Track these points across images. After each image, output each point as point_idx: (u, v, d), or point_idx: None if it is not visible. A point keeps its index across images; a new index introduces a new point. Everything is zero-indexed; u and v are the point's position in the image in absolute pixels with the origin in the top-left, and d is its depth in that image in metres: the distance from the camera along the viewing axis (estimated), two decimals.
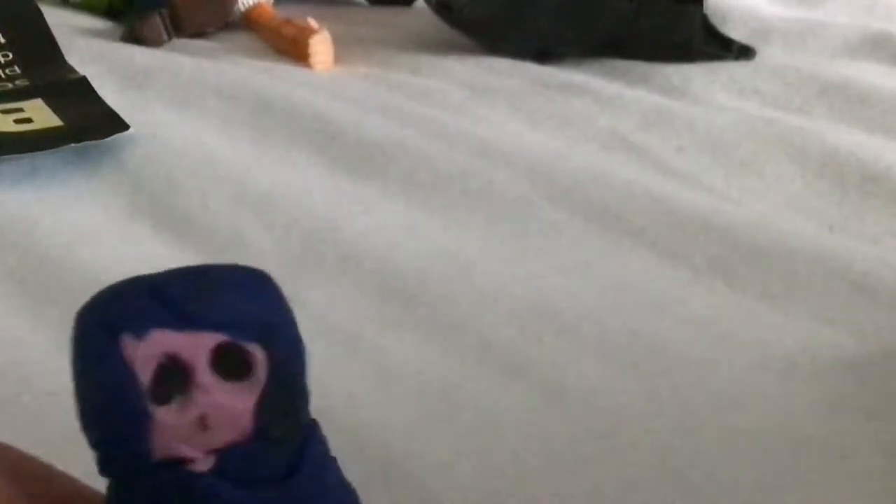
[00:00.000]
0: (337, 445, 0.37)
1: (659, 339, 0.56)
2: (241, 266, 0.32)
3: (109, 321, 0.29)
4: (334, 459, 0.33)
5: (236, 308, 0.30)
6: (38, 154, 0.71)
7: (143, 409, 0.29)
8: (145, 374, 0.29)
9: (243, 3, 1.03)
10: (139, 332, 0.29)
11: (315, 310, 0.58)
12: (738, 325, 0.58)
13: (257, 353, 0.30)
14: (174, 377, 0.29)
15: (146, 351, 0.29)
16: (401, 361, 0.54)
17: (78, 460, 0.45)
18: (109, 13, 1.05)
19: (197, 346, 0.29)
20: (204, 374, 0.29)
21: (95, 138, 0.72)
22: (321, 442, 0.33)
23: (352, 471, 0.37)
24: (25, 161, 0.71)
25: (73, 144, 0.72)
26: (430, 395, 0.51)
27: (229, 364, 0.30)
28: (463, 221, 0.67)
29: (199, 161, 0.72)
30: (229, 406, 0.30)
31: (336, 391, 0.50)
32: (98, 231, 0.65)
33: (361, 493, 0.36)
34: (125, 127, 0.74)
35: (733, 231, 0.65)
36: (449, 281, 0.61)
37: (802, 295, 0.60)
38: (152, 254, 0.63)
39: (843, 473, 0.47)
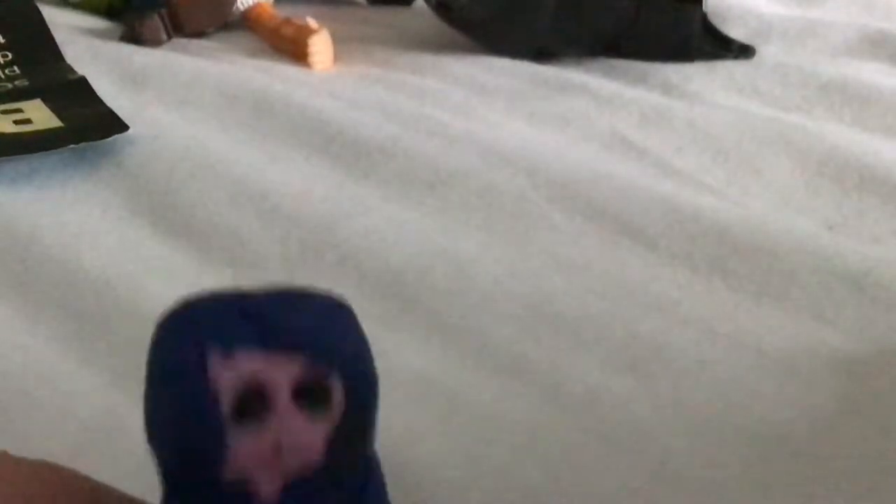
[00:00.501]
0: None
1: (658, 339, 0.56)
2: (326, 293, 0.32)
3: (198, 335, 0.29)
4: (386, 492, 0.33)
5: (322, 334, 0.30)
6: (37, 154, 0.71)
7: (222, 429, 0.29)
8: (228, 395, 0.29)
9: (242, 3, 1.02)
10: (226, 350, 0.29)
11: None
12: (736, 325, 0.58)
13: (336, 385, 0.30)
14: (255, 399, 0.29)
15: (232, 371, 0.29)
16: (400, 361, 0.54)
17: (76, 459, 0.45)
18: (109, 13, 1.05)
19: (280, 370, 0.29)
20: (284, 400, 0.29)
21: (95, 139, 0.72)
22: (381, 479, 0.33)
23: None
24: (24, 162, 0.71)
25: (72, 146, 0.71)
26: (429, 395, 0.51)
27: (309, 394, 0.29)
28: (462, 221, 0.67)
29: (198, 161, 0.72)
30: (304, 436, 0.30)
31: None
32: (97, 232, 0.65)
33: None
34: (124, 128, 0.74)
35: (732, 230, 0.65)
36: (448, 281, 0.61)
37: (801, 294, 0.60)
38: (151, 254, 0.63)
39: (843, 474, 0.47)
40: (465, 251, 0.64)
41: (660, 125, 0.81)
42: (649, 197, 0.69)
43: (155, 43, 0.96)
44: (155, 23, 0.96)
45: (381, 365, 0.53)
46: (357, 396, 0.30)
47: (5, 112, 0.76)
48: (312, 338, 0.30)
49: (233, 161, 0.73)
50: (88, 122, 0.75)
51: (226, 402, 0.29)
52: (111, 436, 0.48)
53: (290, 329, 0.29)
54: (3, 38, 0.86)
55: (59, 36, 0.89)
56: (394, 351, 0.55)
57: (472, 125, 0.80)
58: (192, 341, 0.29)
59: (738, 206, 0.71)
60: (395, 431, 0.48)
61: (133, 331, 0.55)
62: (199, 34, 1.00)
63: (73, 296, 0.59)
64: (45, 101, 0.78)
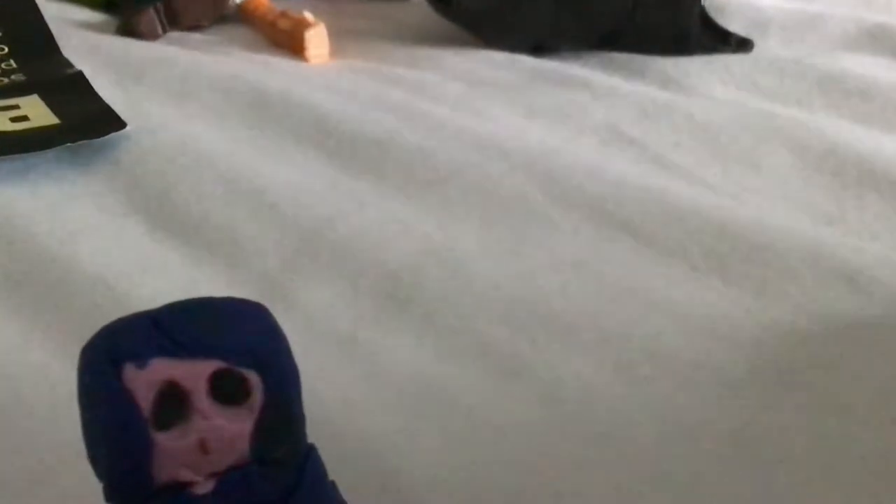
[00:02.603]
0: (330, 445, 0.37)
1: (654, 339, 0.56)
2: (238, 298, 0.33)
3: (111, 351, 0.31)
4: (333, 484, 0.34)
5: (232, 336, 0.31)
6: (33, 152, 0.71)
7: (145, 435, 0.30)
8: (146, 402, 0.30)
9: None
10: (140, 361, 0.30)
11: (309, 308, 0.58)
12: (734, 323, 0.57)
13: (253, 379, 0.31)
14: (174, 404, 0.30)
15: (147, 378, 0.30)
16: (395, 361, 0.54)
17: (73, 470, 0.45)
18: (105, 6, 1.05)
19: (195, 373, 0.30)
20: (202, 399, 0.30)
21: (92, 137, 0.72)
22: (319, 466, 0.34)
23: (344, 470, 0.37)
24: (20, 158, 0.71)
25: (69, 144, 0.71)
26: (424, 395, 0.51)
27: (226, 389, 0.31)
28: (459, 218, 0.67)
29: (195, 158, 0.72)
30: (228, 430, 0.31)
31: (330, 391, 0.50)
32: (93, 228, 0.65)
33: (354, 494, 0.36)
34: (122, 125, 0.74)
35: (730, 226, 0.65)
36: (444, 280, 0.60)
37: (799, 291, 0.60)
38: (148, 251, 0.63)
39: (841, 477, 0.47)
40: (462, 249, 0.64)
41: (658, 119, 0.81)
42: (647, 192, 0.69)
43: (151, 36, 0.95)
44: (151, 16, 0.96)
45: (375, 364, 0.54)
46: (274, 387, 0.31)
47: (2, 108, 0.76)
48: (222, 337, 0.31)
49: (229, 156, 0.73)
50: (85, 120, 0.75)
51: (146, 409, 0.30)
52: None
53: (200, 332, 0.31)
54: (0, 31, 0.85)
55: (55, 29, 0.89)
56: (389, 350, 0.55)
57: (469, 119, 0.80)
58: (106, 358, 0.30)
59: (736, 201, 0.70)
60: (389, 431, 0.48)
61: None
62: (195, 28, 1.00)
63: (68, 292, 0.58)
64: (42, 96, 0.78)
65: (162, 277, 0.60)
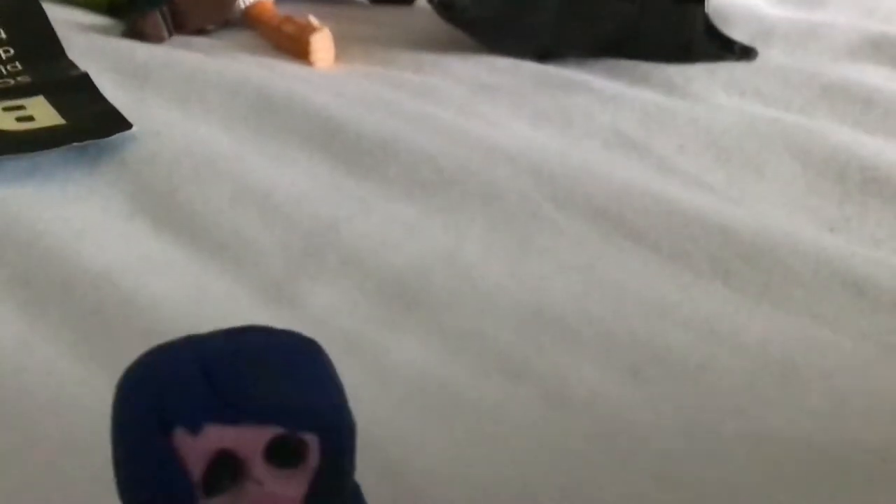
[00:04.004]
0: None
1: (660, 342, 0.56)
2: (291, 337, 0.31)
3: (161, 413, 0.28)
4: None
5: (290, 397, 0.29)
6: (39, 151, 0.71)
7: (193, 502, 0.28)
8: (198, 469, 0.28)
9: (244, 1, 1.02)
10: (193, 426, 0.28)
11: (315, 310, 0.58)
12: (738, 327, 0.58)
13: (311, 441, 0.29)
14: (227, 469, 0.28)
15: (201, 447, 0.28)
16: (401, 363, 0.54)
17: (78, 467, 0.45)
18: (110, 10, 1.05)
19: (251, 441, 0.28)
20: (258, 466, 0.28)
21: (97, 137, 0.72)
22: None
23: None
24: (26, 159, 0.71)
25: (75, 144, 0.71)
26: (430, 398, 0.51)
27: (283, 455, 0.29)
28: (464, 221, 0.67)
29: (200, 159, 0.72)
30: (282, 495, 0.29)
31: None
32: (99, 229, 0.65)
33: (363, 490, 0.36)
34: (127, 126, 0.74)
35: (734, 232, 0.65)
36: (450, 283, 0.61)
37: (802, 296, 0.60)
38: (153, 252, 0.63)
39: (844, 475, 0.47)
40: (467, 252, 0.64)
41: (662, 124, 0.81)
42: (651, 197, 0.69)
43: (156, 40, 0.95)
44: (156, 19, 0.96)
45: (381, 366, 0.54)
46: (333, 445, 0.30)
47: (8, 108, 0.76)
48: (281, 402, 0.29)
49: (234, 158, 0.73)
50: (91, 120, 0.75)
51: (196, 475, 0.28)
52: None
53: (256, 394, 0.28)
54: (5, 33, 0.85)
55: (60, 32, 0.89)
56: (395, 352, 0.55)
57: (474, 124, 0.80)
58: (156, 417, 0.28)
59: (740, 206, 0.71)
60: (395, 434, 0.48)
61: (135, 328, 0.55)
62: (200, 31, 1.00)
63: (74, 293, 0.58)
64: (47, 97, 0.78)
65: (167, 277, 0.60)
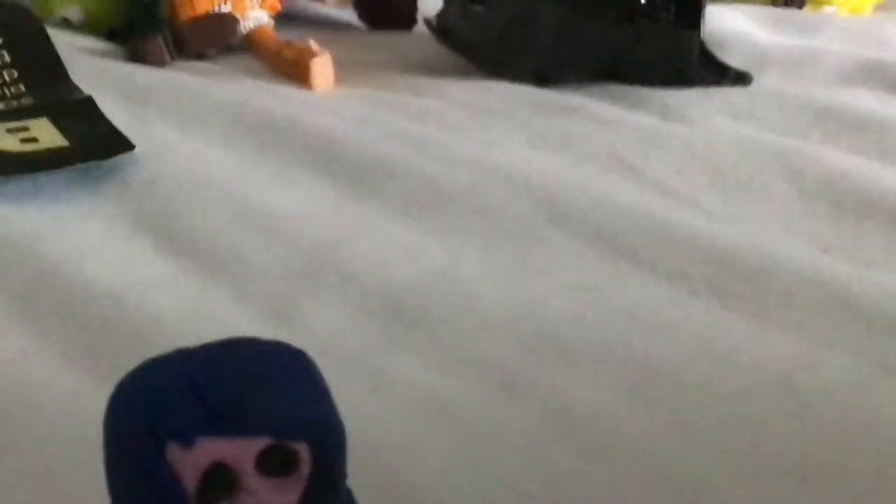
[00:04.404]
0: None
1: (657, 360, 0.56)
2: (278, 347, 0.31)
3: (154, 428, 0.28)
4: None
5: (281, 408, 0.29)
6: (43, 172, 0.72)
7: None
8: (192, 482, 0.28)
9: (245, 26, 1.04)
10: (186, 440, 0.28)
11: (315, 329, 0.58)
12: (734, 346, 0.58)
13: (303, 451, 0.29)
14: (220, 481, 0.29)
15: (194, 460, 0.28)
16: (400, 381, 0.54)
17: (79, 482, 0.45)
18: (110, 35, 1.06)
19: (244, 452, 0.29)
20: (251, 477, 0.29)
21: (100, 159, 0.73)
22: None
23: (349, 482, 0.37)
24: (30, 179, 0.72)
25: (78, 165, 0.72)
26: (429, 416, 0.51)
27: (275, 465, 0.29)
28: (462, 241, 0.68)
29: (201, 180, 0.73)
30: (276, 503, 0.29)
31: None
32: (101, 249, 0.65)
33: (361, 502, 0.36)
34: (130, 147, 0.74)
35: (730, 253, 0.66)
36: (448, 301, 0.61)
37: (798, 316, 0.61)
38: (155, 272, 0.64)
39: (839, 492, 0.47)
40: (466, 271, 0.64)
41: (658, 147, 0.82)
42: (648, 218, 0.70)
43: (158, 64, 0.96)
44: (158, 44, 0.97)
45: (381, 384, 0.54)
46: (324, 453, 0.30)
47: (11, 130, 0.77)
48: (272, 413, 0.29)
49: (235, 179, 0.73)
50: (94, 142, 0.75)
51: (190, 486, 0.28)
52: None
53: (247, 406, 0.29)
54: (10, 56, 0.86)
55: (64, 56, 0.89)
56: (394, 370, 0.55)
57: (472, 146, 0.81)
58: (149, 434, 0.28)
59: (736, 228, 0.71)
60: (395, 451, 0.48)
61: (137, 346, 0.55)
62: (201, 56, 1.01)
63: (77, 312, 0.59)
64: (51, 119, 0.79)
65: (169, 296, 0.61)
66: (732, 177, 0.78)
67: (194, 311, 0.59)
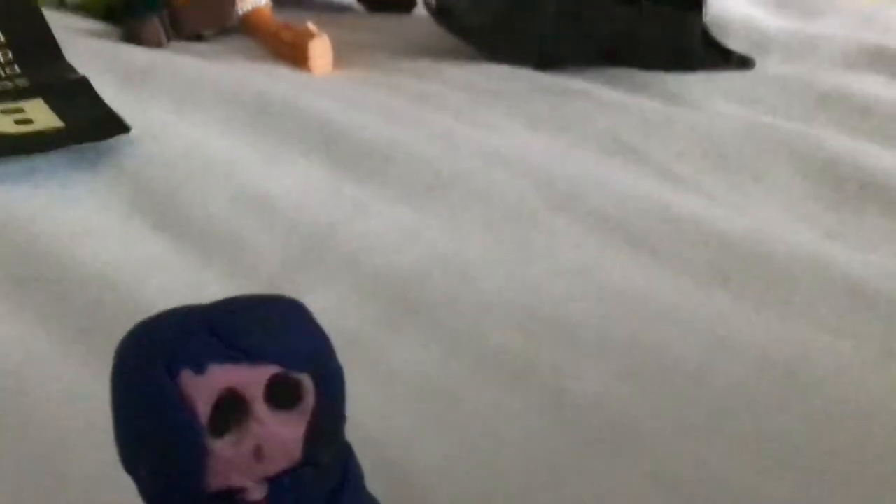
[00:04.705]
0: None
1: (658, 345, 0.56)
2: (278, 297, 0.33)
3: (167, 357, 0.29)
4: (363, 476, 0.34)
5: (287, 340, 0.31)
6: (38, 153, 0.71)
7: (202, 443, 0.29)
8: (205, 409, 0.29)
9: (241, 8, 1.03)
10: (197, 367, 0.29)
11: (314, 310, 0.58)
12: (736, 331, 0.58)
13: (306, 383, 0.31)
14: (231, 410, 0.30)
15: (206, 385, 0.29)
16: (400, 365, 0.54)
17: (76, 465, 0.45)
18: (106, 16, 1.06)
19: (253, 379, 0.30)
20: (259, 405, 0.30)
21: (96, 139, 0.72)
22: (358, 464, 0.34)
23: None
24: (24, 161, 0.71)
25: (73, 145, 0.71)
26: (429, 399, 0.51)
27: (282, 394, 0.30)
28: (463, 225, 0.67)
29: (199, 162, 0.72)
30: (283, 435, 0.30)
31: None
32: (97, 231, 0.65)
33: None
34: (126, 129, 0.74)
35: (732, 237, 0.65)
36: (449, 285, 0.61)
37: (800, 301, 0.60)
38: (151, 254, 0.63)
39: (843, 479, 0.47)
40: (466, 255, 0.64)
41: (661, 131, 0.81)
42: (650, 203, 0.69)
43: (155, 45, 0.96)
44: (155, 25, 0.97)
45: (380, 368, 0.54)
46: (326, 388, 0.31)
47: (6, 111, 0.76)
48: (278, 343, 0.30)
49: (233, 162, 0.73)
50: (90, 123, 0.75)
51: (203, 417, 0.29)
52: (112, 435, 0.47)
53: (256, 337, 0.30)
54: (4, 36, 0.85)
55: (59, 36, 0.89)
56: (395, 354, 0.55)
57: (472, 129, 0.81)
58: (161, 362, 0.29)
59: (739, 212, 0.71)
60: (395, 435, 0.48)
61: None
62: (198, 37, 1.00)
63: (72, 292, 0.58)
64: (46, 100, 0.78)
65: (165, 277, 0.60)
66: (735, 161, 0.78)
67: (191, 293, 0.58)
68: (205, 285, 0.60)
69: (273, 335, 0.30)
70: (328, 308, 0.58)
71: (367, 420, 0.49)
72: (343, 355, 0.54)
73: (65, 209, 0.67)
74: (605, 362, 0.54)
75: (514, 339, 0.56)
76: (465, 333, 0.56)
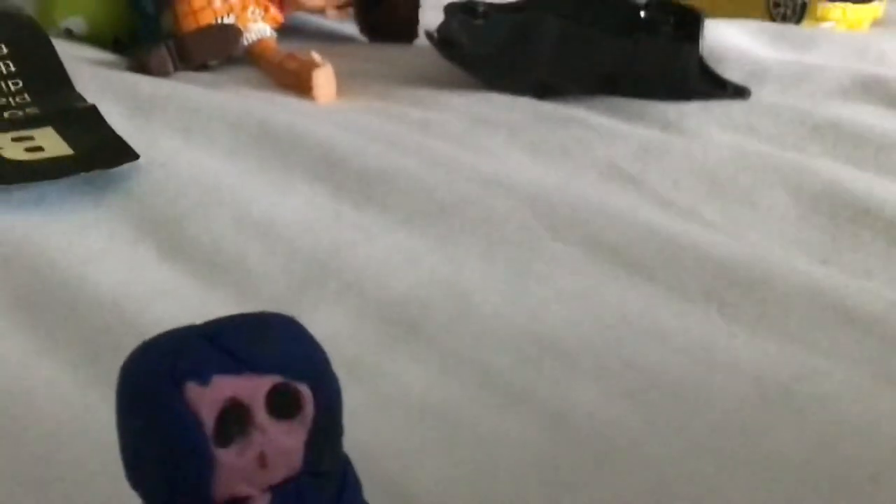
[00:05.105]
0: None
1: (656, 368, 0.57)
2: (274, 313, 0.34)
3: (173, 369, 0.30)
4: (361, 486, 0.35)
5: (286, 351, 0.32)
6: (47, 180, 0.72)
7: (208, 453, 0.30)
8: (210, 420, 0.30)
9: (247, 38, 1.04)
10: (203, 378, 0.30)
11: (316, 336, 0.58)
12: (734, 354, 0.58)
13: (306, 392, 0.32)
14: (235, 420, 0.31)
15: (211, 396, 0.30)
16: (401, 389, 0.54)
17: (83, 488, 0.46)
18: (114, 46, 1.07)
19: (255, 389, 0.31)
20: (261, 414, 0.31)
21: (105, 167, 0.73)
22: (355, 473, 0.35)
23: None
24: (33, 188, 0.72)
25: (83, 173, 0.72)
26: (429, 422, 0.52)
27: (283, 404, 0.31)
28: (463, 250, 0.68)
29: (204, 189, 0.73)
30: (285, 443, 0.31)
31: None
32: (105, 255, 0.66)
33: None
34: (135, 156, 0.75)
35: (728, 263, 0.66)
36: (449, 309, 0.61)
37: (796, 325, 0.61)
38: (158, 279, 0.64)
39: (839, 499, 0.48)
40: (467, 280, 0.65)
41: (657, 159, 0.82)
42: (647, 229, 0.70)
43: (161, 74, 0.97)
44: (162, 54, 0.98)
45: (381, 392, 0.54)
46: (324, 398, 0.32)
47: (17, 139, 0.77)
48: (278, 354, 0.32)
49: (238, 188, 0.74)
50: (98, 151, 0.76)
51: (209, 427, 0.30)
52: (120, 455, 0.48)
53: (256, 348, 0.31)
54: (15, 66, 0.87)
55: (68, 66, 0.90)
56: (395, 377, 0.55)
57: (473, 156, 0.82)
58: (167, 375, 0.30)
59: (734, 238, 0.72)
60: (395, 456, 0.49)
61: None
62: (204, 67, 1.02)
63: (80, 317, 0.59)
64: (55, 128, 0.79)
65: (172, 302, 0.61)
66: (731, 188, 0.79)
67: (197, 317, 0.59)
68: (210, 309, 0.60)
69: (272, 346, 0.32)
70: (330, 330, 0.59)
71: (366, 441, 0.49)
72: (344, 377, 0.54)
73: (73, 236, 0.68)
74: (603, 385, 0.55)
75: (513, 363, 0.57)
76: (465, 356, 0.57)
